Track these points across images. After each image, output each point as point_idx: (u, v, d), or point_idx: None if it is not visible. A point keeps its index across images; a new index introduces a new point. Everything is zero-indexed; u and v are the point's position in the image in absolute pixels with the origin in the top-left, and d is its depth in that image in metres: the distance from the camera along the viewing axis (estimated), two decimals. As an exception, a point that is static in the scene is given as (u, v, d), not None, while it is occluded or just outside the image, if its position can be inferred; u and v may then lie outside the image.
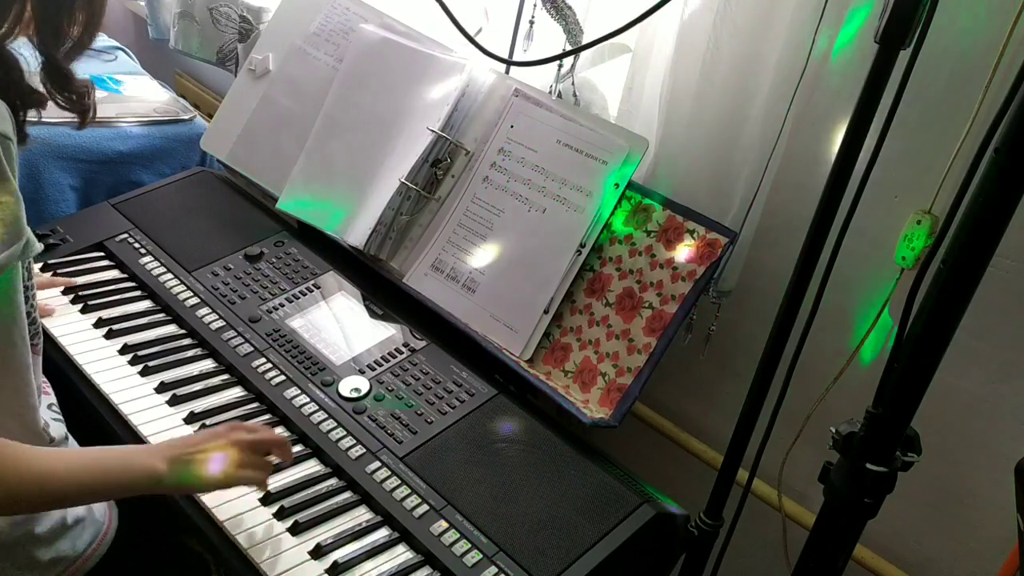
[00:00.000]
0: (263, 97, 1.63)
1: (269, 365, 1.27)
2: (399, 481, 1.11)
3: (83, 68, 0.94)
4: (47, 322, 1.29)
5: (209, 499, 1.06)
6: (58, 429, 1.02)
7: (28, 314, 0.94)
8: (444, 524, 1.06)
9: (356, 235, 1.45)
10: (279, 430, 1.20)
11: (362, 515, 1.09)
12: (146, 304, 1.39)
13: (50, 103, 0.93)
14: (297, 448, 1.17)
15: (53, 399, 1.07)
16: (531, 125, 1.40)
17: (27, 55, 0.89)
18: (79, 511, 1.02)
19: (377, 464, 1.14)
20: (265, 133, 1.61)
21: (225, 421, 1.18)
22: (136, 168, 1.79)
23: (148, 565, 1.18)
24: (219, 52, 2.08)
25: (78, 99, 0.94)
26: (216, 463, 0.97)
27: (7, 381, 0.92)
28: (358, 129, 1.52)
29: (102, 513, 1.07)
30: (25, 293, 0.92)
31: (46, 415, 1.00)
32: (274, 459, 1.07)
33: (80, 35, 0.91)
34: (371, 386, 1.25)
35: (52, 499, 0.90)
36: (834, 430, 0.89)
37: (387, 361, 1.29)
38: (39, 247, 0.88)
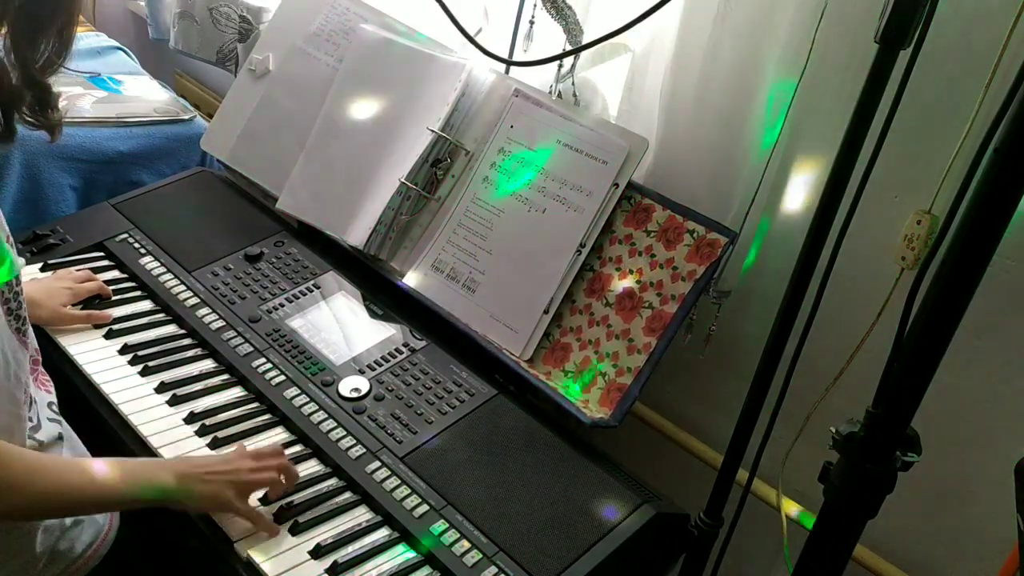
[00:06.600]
0: (263, 97, 1.63)
1: (269, 365, 1.27)
2: (399, 481, 1.11)
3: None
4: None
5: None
6: (50, 431, 1.00)
7: (24, 321, 0.93)
8: (444, 524, 1.06)
9: (356, 235, 1.45)
10: (278, 430, 1.20)
11: (362, 515, 1.09)
12: (146, 304, 1.39)
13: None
14: (297, 448, 1.17)
15: (53, 398, 1.07)
16: (531, 125, 1.40)
17: None
18: None
19: (377, 464, 1.14)
20: (265, 133, 1.61)
21: (225, 421, 1.18)
22: (136, 168, 1.79)
23: (149, 565, 1.18)
24: (219, 52, 2.08)
25: (52, 113, 0.92)
26: (220, 487, 1.00)
27: None
28: (358, 129, 1.52)
29: (103, 515, 1.07)
30: (17, 299, 0.92)
31: (43, 413, 0.99)
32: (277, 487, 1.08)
33: (52, 48, 0.87)
34: (371, 386, 1.24)
35: (66, 507, 0.92)
36: (834, 430, 0.89)
37: (387, 361, 1.29)
38: (21, 263, 0.87)
